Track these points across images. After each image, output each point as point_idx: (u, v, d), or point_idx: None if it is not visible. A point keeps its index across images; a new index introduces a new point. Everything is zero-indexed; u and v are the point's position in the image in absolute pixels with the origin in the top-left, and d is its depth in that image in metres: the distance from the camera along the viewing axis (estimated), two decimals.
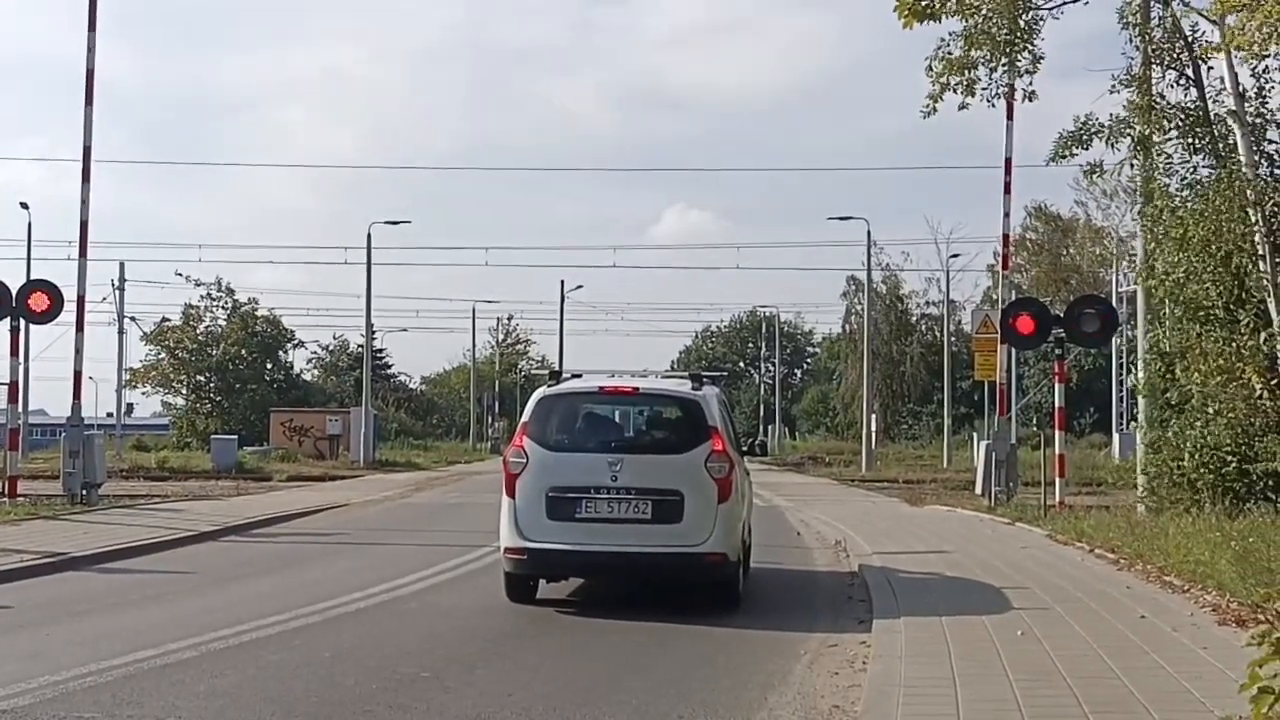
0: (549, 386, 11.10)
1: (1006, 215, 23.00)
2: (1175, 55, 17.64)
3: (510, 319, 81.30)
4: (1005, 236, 23.81)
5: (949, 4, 17.22)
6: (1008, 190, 22.38)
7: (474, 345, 72.01)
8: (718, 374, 12.99)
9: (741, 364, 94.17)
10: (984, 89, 18.12)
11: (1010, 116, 21.18)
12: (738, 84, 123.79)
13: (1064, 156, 18.16)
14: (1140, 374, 19.12)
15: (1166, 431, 17.63)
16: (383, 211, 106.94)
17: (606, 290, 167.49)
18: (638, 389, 11.60)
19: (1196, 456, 16.20)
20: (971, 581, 11.72)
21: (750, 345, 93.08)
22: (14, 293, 19.70)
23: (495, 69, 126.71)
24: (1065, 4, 18.01)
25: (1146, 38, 17.50)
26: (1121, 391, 47.31)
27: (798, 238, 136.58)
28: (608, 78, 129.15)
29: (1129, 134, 17.69)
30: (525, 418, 10.86)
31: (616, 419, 12.17)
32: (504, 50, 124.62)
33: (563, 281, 63.32)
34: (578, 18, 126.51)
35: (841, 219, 48.80)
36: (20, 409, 27.97)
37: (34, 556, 12.98)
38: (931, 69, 18.12)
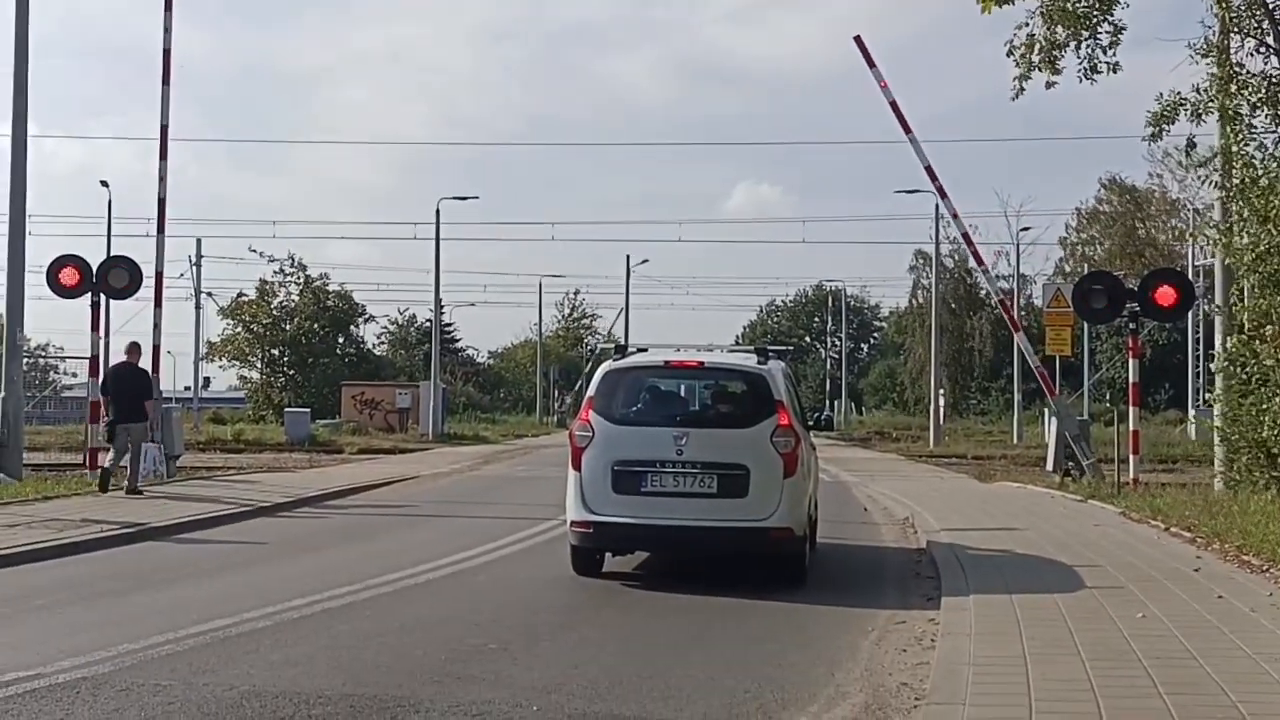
0: (614, 360, 11.10)
1: (957, 213, 23.41)
2: (1255, 23, 17.19)
3: (576, 293, 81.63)
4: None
5: None
6: (943, 195, 22.74)
7: (540, 319, 72.35)
8: (783, 349, 12.91)
9: (807, 339, 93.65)
10: (1078, 69, 17.83)
11: (908, 130, 21.42)
12: (801, 57, 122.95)
13: (1157, 137, 17.90)
14: (1218, 348, 18.74)
15: (1245, 406, 17.27)
16: (449, 187, 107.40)
17: (672, 265, 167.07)
18: (703, 363, 11.57)
19: (1276, 432, 15.86)
20: (1042, 559, 11.57)
21: (816, 320, 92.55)
22: (95, 269, 20.07)
23: (557, 45, 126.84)
24: None
25: (1225, 5, 17.06)
26: (1198, 367, 46.41)
27: (865, 212, 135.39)
28: (669, 52, 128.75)
29: (1212, 106, 17.29)
30: (591, 392, 10.87)
31: (682, 393, 12.15)
32: (566, 26, 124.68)
33: (628, 256, 63.55)
34: None
35: (909, 192, 48.24)
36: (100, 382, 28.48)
37: (113, 527, 13.26)
38: (1013, 51, 17.86)
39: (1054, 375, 44.74)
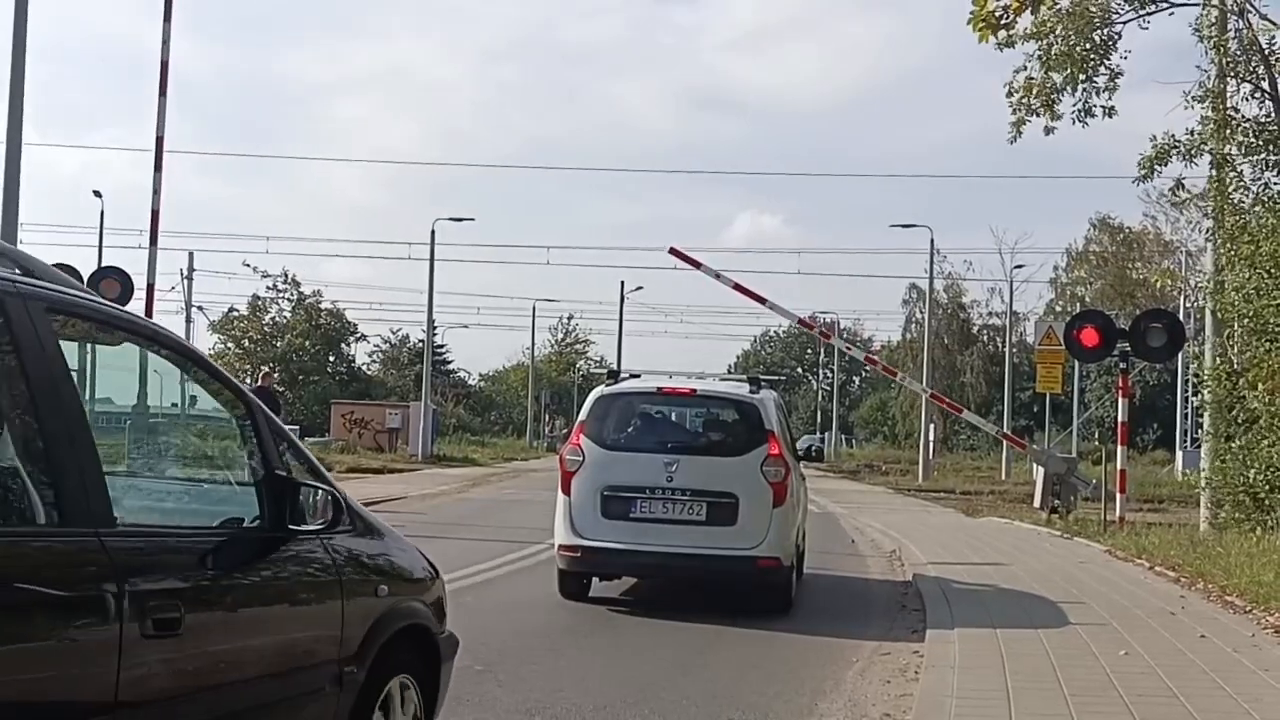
0: (607, 386, 11.13)
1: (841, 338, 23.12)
2: (1251, 69, 17.37)
3: (570, 318, 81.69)
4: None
5: (1023, 13, 17.11)
6: (826, 336, 22.79)
7: (533, 343, 72.40)
8: (775, 378, 12.98)
9: (800, 370, 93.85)
10: (1073, 111, 17.99)
11: (762, 301, 21.43)
12: (803, 87, 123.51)
13: (1148, 178, 18.09)
14: (1206, 390, 18.85)
15: (1232, 448, 17.35)
16: (446, 207, 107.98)
17: (666, 292, 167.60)
18: (695, 390, 11.61)
19: (1263, 474, 15.94)
20: (1027, 595, 11.60)
21: (809, 351, 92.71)
22: (85, 279, 20.07)
23: (559, 68, 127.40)
24: (1147, 14, 17.84)
25: (1222, 50, 17.24)
26: (1186, 408, 46.57)
27: (861, 244, 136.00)
28: (672, 78, 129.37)
29: (1205, 149, 17.45)
30: (582, 416, 10.90)
31: (673, 420, 12.18)
32: (568, 49, 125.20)
33: (623, 282, 63.53)
34: (642, 17, 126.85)
35: (905, 226, 48.56)
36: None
37: None
38: (1011, 94, 18.01)
39: (1044, 412, 44.95)
